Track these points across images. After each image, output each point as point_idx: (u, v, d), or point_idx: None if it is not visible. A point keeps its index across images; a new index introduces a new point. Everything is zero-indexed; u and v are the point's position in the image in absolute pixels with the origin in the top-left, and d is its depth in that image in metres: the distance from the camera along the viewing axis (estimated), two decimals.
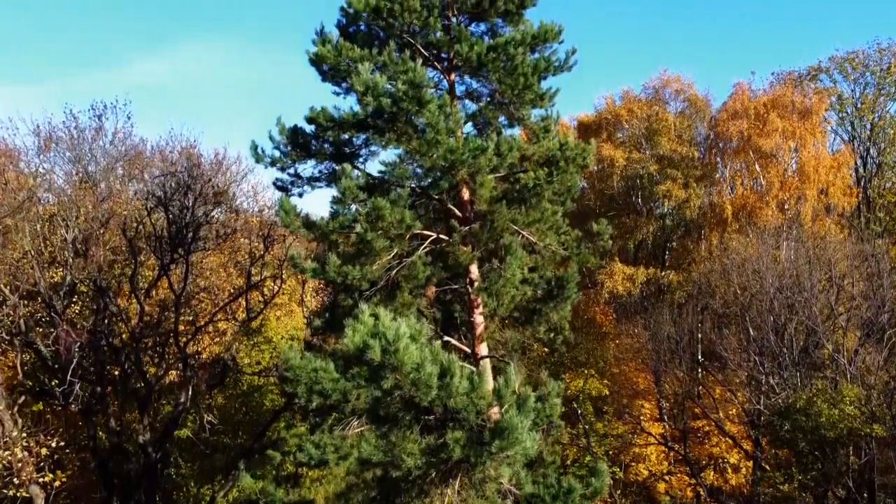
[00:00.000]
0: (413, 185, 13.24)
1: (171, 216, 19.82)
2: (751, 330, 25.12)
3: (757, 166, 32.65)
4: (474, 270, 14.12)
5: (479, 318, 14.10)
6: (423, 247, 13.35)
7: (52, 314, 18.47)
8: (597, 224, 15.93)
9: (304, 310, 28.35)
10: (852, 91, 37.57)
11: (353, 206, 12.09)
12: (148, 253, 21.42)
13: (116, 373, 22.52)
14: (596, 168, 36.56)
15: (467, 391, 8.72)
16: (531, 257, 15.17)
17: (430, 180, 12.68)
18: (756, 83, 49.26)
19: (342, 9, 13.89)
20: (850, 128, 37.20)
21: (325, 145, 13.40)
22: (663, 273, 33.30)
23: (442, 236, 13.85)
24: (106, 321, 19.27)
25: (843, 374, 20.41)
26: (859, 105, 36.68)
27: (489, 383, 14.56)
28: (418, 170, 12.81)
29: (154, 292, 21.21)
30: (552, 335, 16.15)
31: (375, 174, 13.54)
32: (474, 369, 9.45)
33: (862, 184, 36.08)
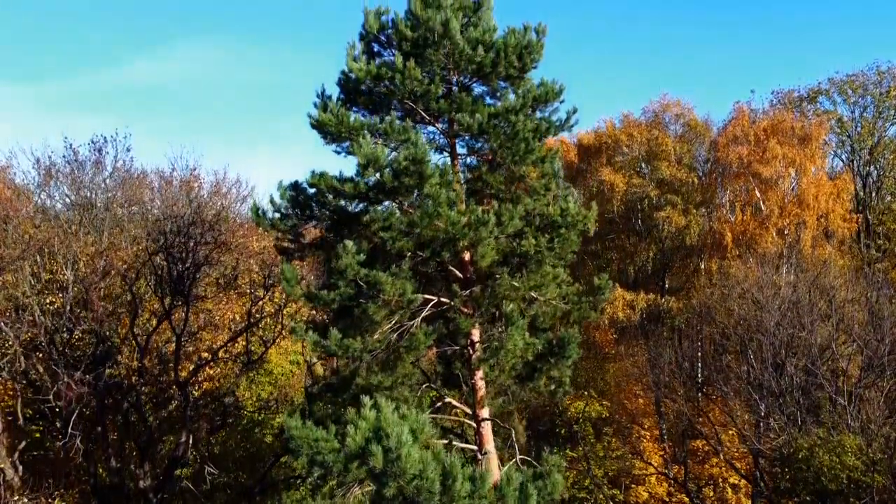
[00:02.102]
0: (414, 250, 13.23)
1: (171, 260, 19.83)
2: (752, 363, 25.11)
3: (757, 192, 32.66)
4: (476, 332, 14.14)
5: (480, 382, 14.11)
6: (424, 312, 13.35)
7: (54, 364, 18.45)
8: (598, 279, 15.96)
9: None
10: (851, 113, 37.66)
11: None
12: (150, 298, 21.45)
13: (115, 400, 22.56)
14: (595, 189, 36.68)
15: (469, 493, 8.73)
16: (531, 307, 15.17)
17: (431, 250, 12.66)
18: (756, 101, 49.46)
19: (343, 73, 13.89)
20: (849, 150, 37.25)
21: (326, 210, 13.40)
22: (663, 299, 33.31)
23: (443, 299, 13.86)
24: (106, 370, 19.26)
25: (843, 414, 20.43)
26: (859, 128, 36.73)
27: (491, 444, 14.63)
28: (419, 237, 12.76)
29: (154, 337, 21.20)
30: (553, 387, 16.16)
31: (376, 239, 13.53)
32: (479, 469, 9.42)
33: (861, 207, 36.12)
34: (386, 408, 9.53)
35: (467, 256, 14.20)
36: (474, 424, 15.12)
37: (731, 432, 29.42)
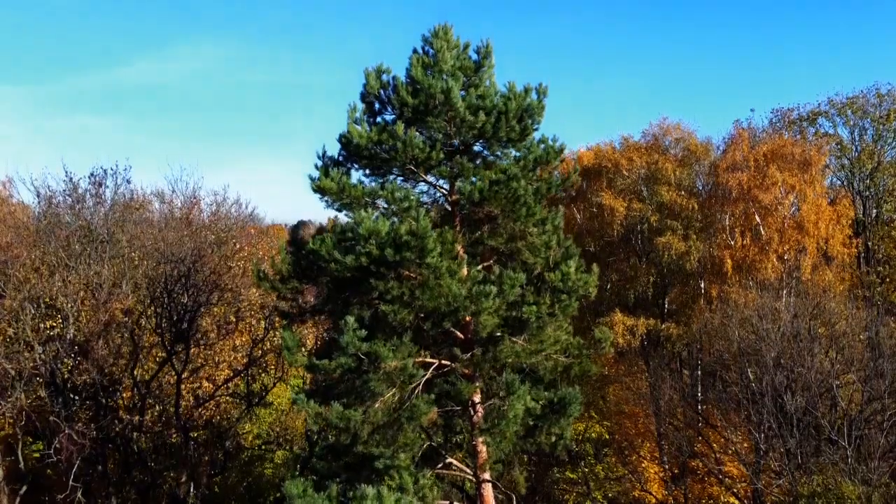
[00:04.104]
0: (415, 315, 13.24)
1: (172, 304, 19.84)
2: (753, 395, 25.10)
3: (757, 217, 32.64)
4: (477, 395, 14.16)
5: (481, 446, 14.12)
6: (424, 377, 13.34)
7: (55, 415, 18.46)
8: (598, 331, 15.98)
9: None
10: (851, 135, 37.64)
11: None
12: (150, 335, 21.46)
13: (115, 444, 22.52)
14: (595, 210, 36.69)
15: None
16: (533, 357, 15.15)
17: (432, 321, 12.68)
18: (756, 120, 49.38)
19: (344, 136, 13.86)
20: (848, 174, 37.20)
21: (326, 276, 13.39)
22: (664, 325, 33.29)
23: (445, 362, 13.88)
24: (108, 419, 19.28)
25: (844, 454, 20.47)
26: (858, 151, 36.72)
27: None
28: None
29: (154, 381, 21.23)
30: (554, 440, 16.16)
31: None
32: None
33: (861, 228, 36.08)
34: (388, 499, 9.53)
35: (468, 317, 14.20)
36: (475, 480, 15.15)
37: (731, 452, 29.46)
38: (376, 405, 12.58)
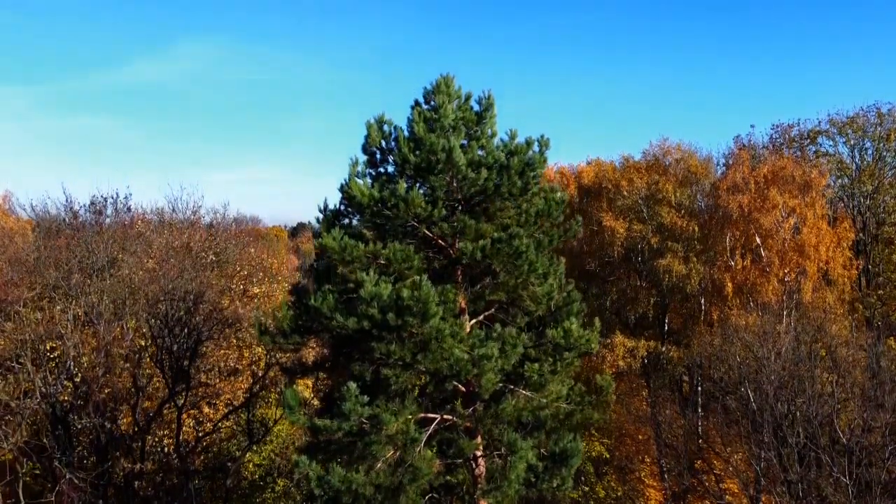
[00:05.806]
0: (417, 376, 13.22)
1: (172, 339, 19.82)
2: (754, 421, 25.07)
3: (758, 238, 32.60)
4: (479, 449, 14.15)
5: (483, 501, 14.10)
6: (427, 434, 13.33)
7: (57, 460, 18.44)
8: (600, 378, 15.96)
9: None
10: (851, 152, 37.56)
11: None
12: (149, 364, 21.45)
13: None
14: (595, 228, 36.66)
15: None
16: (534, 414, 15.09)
17: (434, 383, 12.67)
18: (756, 136, 49.42)
19: (346, 190, 13.82)
20: (849, 193, 37.12)
21: (328, 334, 13.36)
22: (664, 347, 33.28)
23: (446, 417, 13.86)
24: (109, 464, 19.26)
25: (846, 492, 20.47)
26: (858, 170, 36.67)
27: None
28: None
29: (155, 419, 21.20)
30: (556, 484, 16.15)
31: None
32: None
33: (861, 247, 36.02)
34: None
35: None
36: None
37: (730, 470, 29.47)
38: (378, 465, 12.56)
